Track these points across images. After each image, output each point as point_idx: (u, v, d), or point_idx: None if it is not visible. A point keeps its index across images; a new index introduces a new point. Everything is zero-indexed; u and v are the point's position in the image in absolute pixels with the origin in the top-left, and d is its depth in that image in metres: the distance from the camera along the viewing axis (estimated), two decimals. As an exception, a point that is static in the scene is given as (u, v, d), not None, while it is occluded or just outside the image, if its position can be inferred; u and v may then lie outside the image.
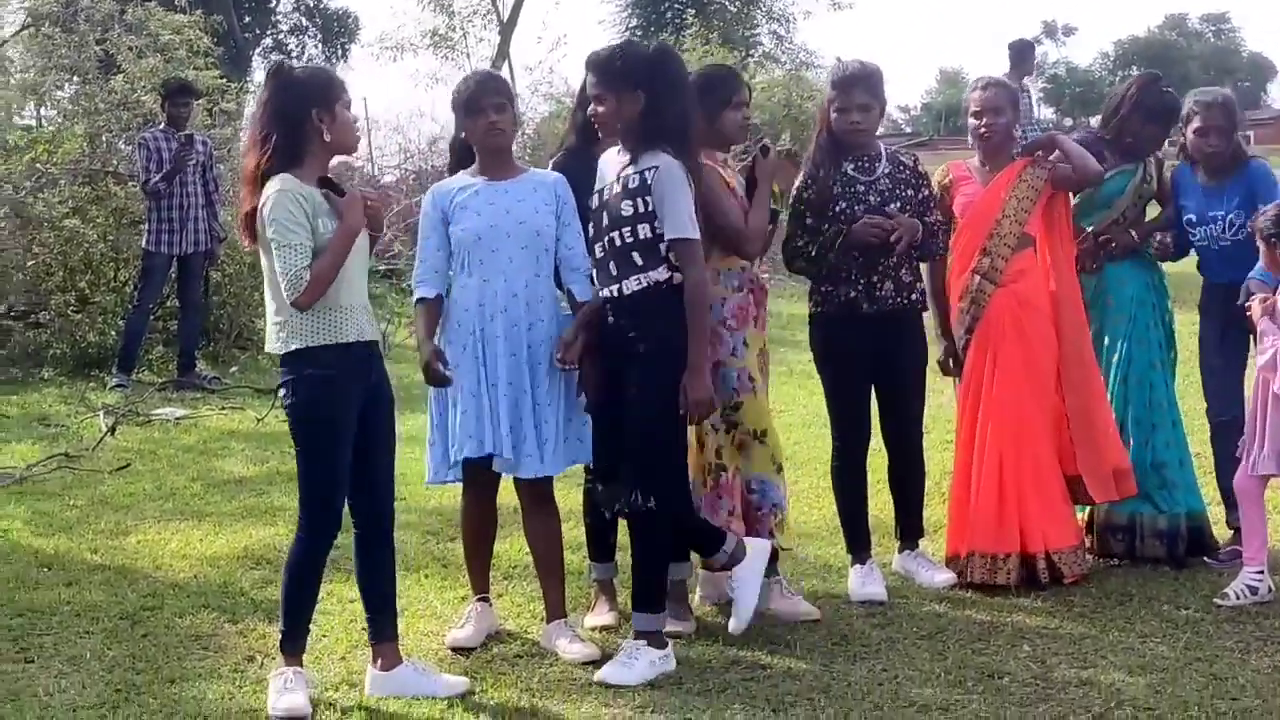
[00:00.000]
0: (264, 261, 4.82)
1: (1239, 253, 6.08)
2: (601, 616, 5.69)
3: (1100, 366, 6.28)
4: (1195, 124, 6.26)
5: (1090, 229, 6.34)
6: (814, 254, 5.91)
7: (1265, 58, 49.10)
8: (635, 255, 5.15)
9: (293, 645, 4.93)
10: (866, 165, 5.95)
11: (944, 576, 6.04)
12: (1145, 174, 6.42)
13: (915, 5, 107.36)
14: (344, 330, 4.76)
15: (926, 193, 6.06)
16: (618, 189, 5.20)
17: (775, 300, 6.46)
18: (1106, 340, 6.33)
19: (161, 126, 11.46)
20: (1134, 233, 6.37)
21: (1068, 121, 35.97)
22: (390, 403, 5.00)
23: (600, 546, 5.80)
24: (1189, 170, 6.38)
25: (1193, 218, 6.30)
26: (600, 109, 5.33)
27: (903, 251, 5.86)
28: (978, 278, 6.02)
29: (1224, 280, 6.23)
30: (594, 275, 5.31)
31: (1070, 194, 6.21)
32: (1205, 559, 6.21)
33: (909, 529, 6.24)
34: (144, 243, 11.41)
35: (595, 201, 5.29)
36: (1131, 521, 6.22)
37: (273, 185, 4.66)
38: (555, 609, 5.53)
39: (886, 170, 5.96)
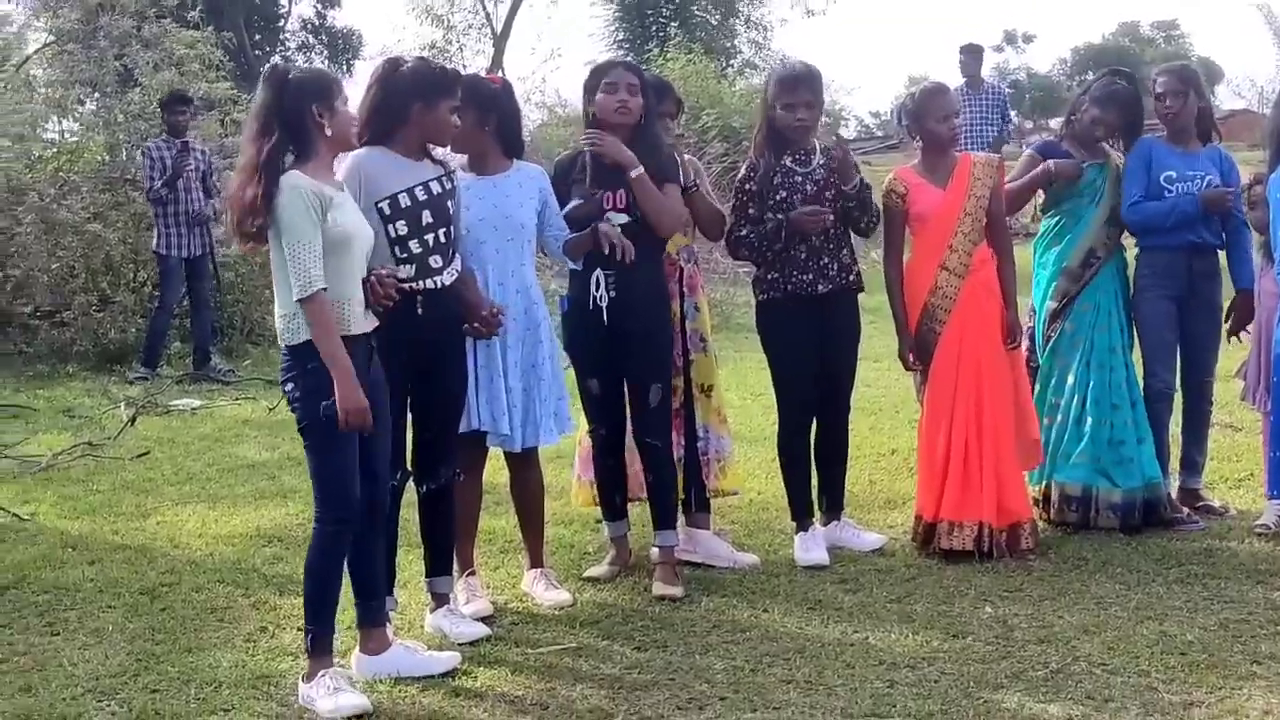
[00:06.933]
0: (273, 253, 4.60)
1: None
2: (598, 568, 5.92)
3: (1064, 352, 6.32)
4: (1157, 89, 6.44)
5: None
6: (758, 244, 5.97)
7: (1213, 62, 49.09)
8: (451, 248, 5.14)
9: (325, 645, 4.63)
10: (803, 158, 5.99)
11: (873, 538, 6.18)
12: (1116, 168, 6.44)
13: (884, 14, 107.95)
14: (349, 322, 4.58)
15: (859, 178, 6.04)
16: (438, 189, 5.07)
17: (748, 291, 6.47)
18: (1070, 327, 6.33)
19: (163, 136, 11.49)
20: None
21: (1028, 124, 35.98)
22: (385, 392, 4.79)
23: (609, 507, 5.97)
24: (1160, 142, 6.43)
25: (1172, 174, 6.30)
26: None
27: (834, 227, 5.93)
28: (945, 273, 6.02)
29: (1183, 242, 6.31)
30: (403, 269, 4.99)
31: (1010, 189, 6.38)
32: (1180, 524, 6.22)
33: (834, 501, 6.28)
34: (154, 246, 11.43)
35: (407, 200, 5.01)
36: (1086, 494, 6.22)
37: (286, 181, 4.49)
38: (535, 557, 5.76)
39: (821, 162, 6.00)
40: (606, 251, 5.41)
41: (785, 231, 5.87)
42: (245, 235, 4.57)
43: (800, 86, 5.94)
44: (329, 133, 4.60)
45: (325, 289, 4.47)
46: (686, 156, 6.15)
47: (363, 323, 4.66)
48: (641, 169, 5.55)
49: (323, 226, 4.51)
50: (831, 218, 5.89)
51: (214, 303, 12.07)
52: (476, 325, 5.21)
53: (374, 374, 4.73)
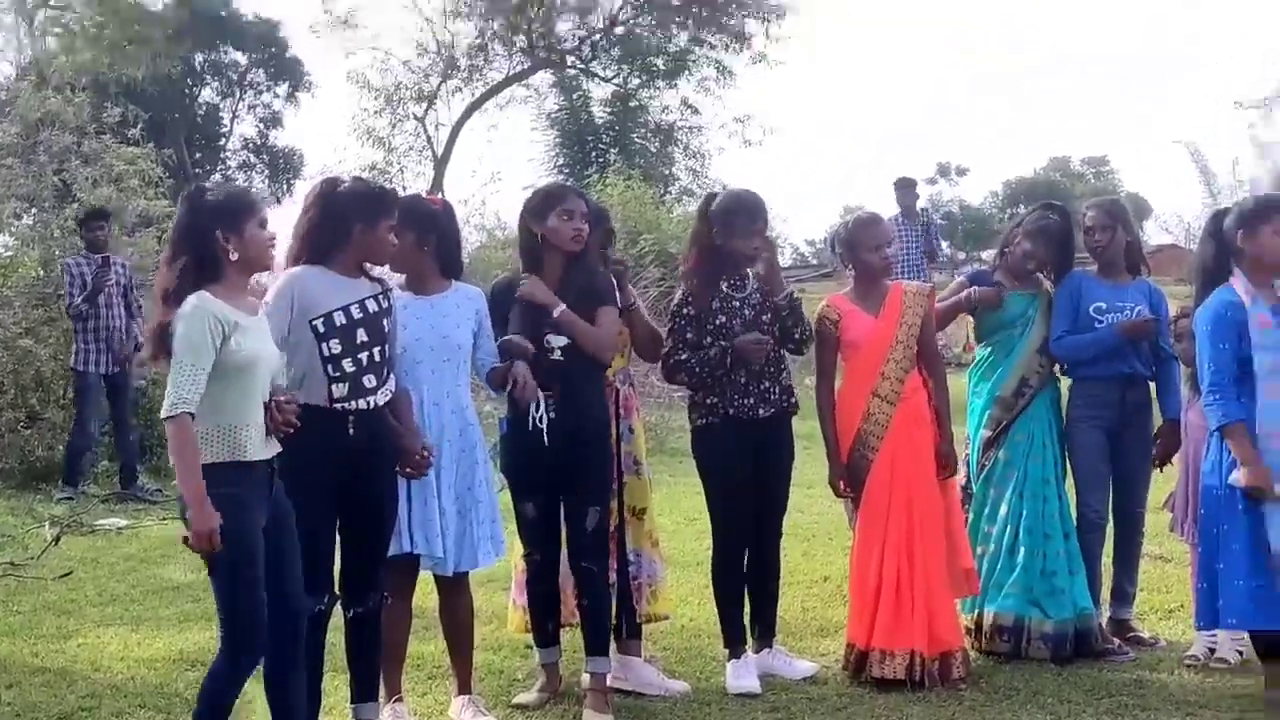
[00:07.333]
0: None
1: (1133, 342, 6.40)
2: (528, 695, 5.87)
3: (998, 480, 6.38)
4: (1086, 223, 6.58)
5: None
6: (699, 370, 5.99)
7: (1142, 198, 49.86)
8: (386, 368, 5.10)
9: None
10: (739, 283, 6.08)
11: (805, 665, 6.16)
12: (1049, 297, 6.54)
13: (820, 144, 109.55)
14: (246, 448, 4.48)
15: (789, 288, 6.17)
16: (374, 307, 5.05)
17: (682, 415, 6.50)
18: (1004, 455, 6.40)
19: (82, 251, 11.47)
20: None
21: (961, 255, 36.48)
22: (291, 517, 4.67)
23: (541, 633, 5.89)
24: (1090, 275, 6.56)
25: (1102, 305, 6.42)
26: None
27: (773, 350, 6.01)
28: (877, 400, 6.07)
29: (1116, 373, 6.40)
30: (336, 387, 4.96)
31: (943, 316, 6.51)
32: (1111, 654, 6.23)
33: (766, 628, 6.26)
34: (72, 363, 11.34)
35: (342, 318, 4.98)
36: (1018, 624, 6.22)
37: (189, 302, 4.42)
38: (463, 684, 5.69)
39: (755, 285, 6.09)
40: (507, 390, 5.43)
41: (730, 358, 5.91)
42: (159, 357, 4.53)
43: (759, 217, 6.04)
44: (234, 258, 4.53)
45: (193, 414, 4.37)
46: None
47: (261, 448, 4.55)
48: (564, 307, 5.57)
49: (224, 350, 4.43)
50: (772, 342, 5.95)
51: (136, 419, 11.94)
52: (409, 470, 5.18)
53: (276, 495, 4.63)
